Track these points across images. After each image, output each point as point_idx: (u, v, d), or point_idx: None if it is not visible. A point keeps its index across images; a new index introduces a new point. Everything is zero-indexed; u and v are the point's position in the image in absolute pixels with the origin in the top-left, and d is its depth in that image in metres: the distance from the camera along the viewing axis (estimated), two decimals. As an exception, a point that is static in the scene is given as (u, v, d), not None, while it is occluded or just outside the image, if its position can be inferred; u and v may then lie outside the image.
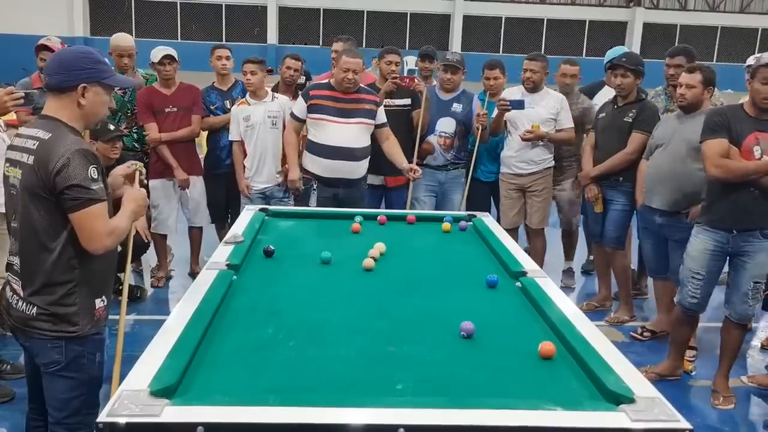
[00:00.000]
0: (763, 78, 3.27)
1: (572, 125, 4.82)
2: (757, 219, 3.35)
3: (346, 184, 4.29)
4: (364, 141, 4.29)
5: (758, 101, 3.31)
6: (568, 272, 5.40)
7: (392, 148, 4.37)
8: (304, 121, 4.32)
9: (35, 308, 2.14)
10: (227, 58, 5.08)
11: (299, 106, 4.31)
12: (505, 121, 4.84)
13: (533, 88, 4.82)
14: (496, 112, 4.80)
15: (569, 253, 5.45)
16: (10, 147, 2.23)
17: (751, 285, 3.44)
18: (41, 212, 2.09)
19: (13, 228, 2.21)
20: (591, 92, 5.33)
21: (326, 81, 4.36)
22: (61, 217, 2.09)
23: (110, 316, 2.34)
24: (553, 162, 4.94)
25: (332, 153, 4.21)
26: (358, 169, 4.32)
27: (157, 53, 4.76)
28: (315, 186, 4.29)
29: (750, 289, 3.44)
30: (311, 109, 4.24)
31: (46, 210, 2.08)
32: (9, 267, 2.23)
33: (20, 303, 2.18)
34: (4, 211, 3.34)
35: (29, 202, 2.10)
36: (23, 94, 2.77)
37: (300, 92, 4.92)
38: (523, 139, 4.75)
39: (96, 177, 2.08)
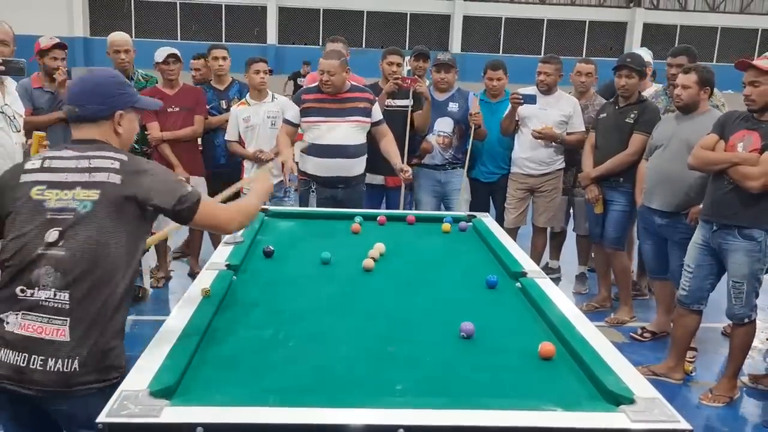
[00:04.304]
0: (746, 79, 3.29)
1: (584, 129, 4.81)
2: (733, 214, 3.35)
3: (343, 183, 4.29)
4: (357, 138, 4.28)
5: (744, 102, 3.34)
6: (581, 277, 5.36)
7: (388, 146, 4.35)
8: (297, 126, 4.32)
9: (77, 360, 1.79)
10: (224, 58, 5.09)
11: (292, 111, 4.32)
12: (517, 120, 4.85)
13: (547, 90, 4.84)
14: (509, 108, 4.81)
15: (583, 257, 5.39)
16: (44, 169, 1.92)
17: (731, 284, 3.45)
18: (121, 240, 1.87)
19: (56, 257, 1.83)
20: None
21: (316, 84, 4.37)
22: (135, 248, 1.92)
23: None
24: (563, 164, 4.95)
25: (325, 151, 4.21)
26: (354, 166, 4.31)
27: (162, 52, 4.80)
28: (314, 188, 4.29)
29: (731, 288, 3.45)
30: (303, 113, 4.26)
31: (130, 235, 1.89)
32: (36, 305, 1.81)
33: (52, 362, 1.78)
34: None
35: (109, 228, 1.85)
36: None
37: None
38: (534, 137, 4.76)
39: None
